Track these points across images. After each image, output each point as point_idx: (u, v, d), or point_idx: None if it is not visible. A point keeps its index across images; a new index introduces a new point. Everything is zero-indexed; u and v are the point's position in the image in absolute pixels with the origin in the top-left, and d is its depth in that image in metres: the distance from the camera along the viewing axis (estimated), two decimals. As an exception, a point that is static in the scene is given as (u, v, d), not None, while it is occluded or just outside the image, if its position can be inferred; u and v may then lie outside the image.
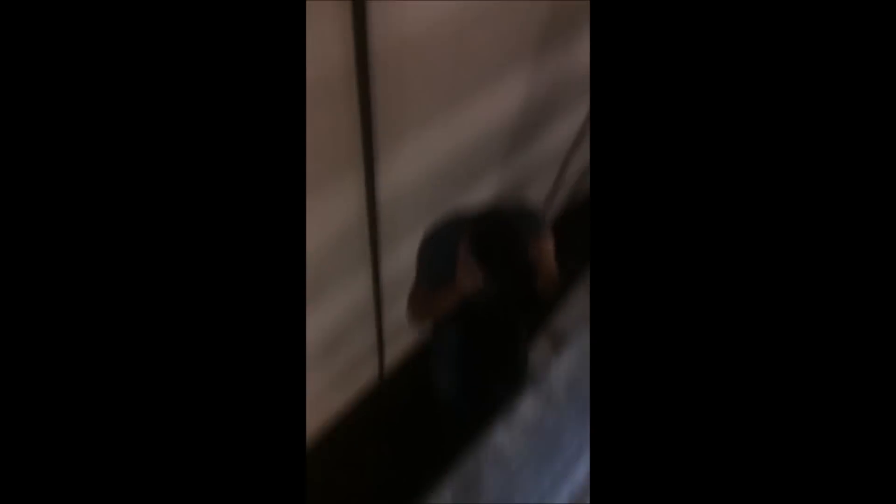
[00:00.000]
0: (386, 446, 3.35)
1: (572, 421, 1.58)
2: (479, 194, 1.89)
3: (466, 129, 1.43)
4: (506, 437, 1.60)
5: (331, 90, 0.88)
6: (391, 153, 1.20)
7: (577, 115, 2.11)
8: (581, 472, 1.36)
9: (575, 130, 2.26)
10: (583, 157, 2.61)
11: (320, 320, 1.61)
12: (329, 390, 2.29)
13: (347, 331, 1.89)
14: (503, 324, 1.45)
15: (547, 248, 1.17)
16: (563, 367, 1.81)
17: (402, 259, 1.74)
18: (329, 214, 1.19)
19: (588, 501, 1.22)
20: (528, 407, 1.68)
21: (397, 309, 2.14)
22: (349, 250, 1.42)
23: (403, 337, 2.68)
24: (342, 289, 1.58)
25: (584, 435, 1.53)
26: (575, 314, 2.78)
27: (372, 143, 1.08)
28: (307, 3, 0.71)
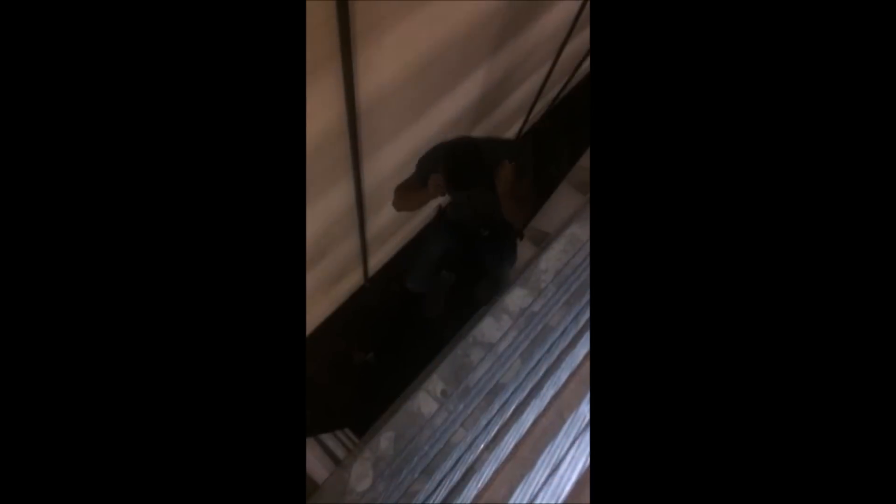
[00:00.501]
0: (376, 343, 3.51)
1: (559, 308, 1.66)
2: (464, 94, 1.79)
3: (451, 19, 1.31)
4: (493, 326, 1.69)
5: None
6: (371, 49, 1.10)
7: (570, 4, 1.95)
8: (567, 353, 1.45)
9: (568, 21, 2.10)
10: (573, 50, 2.46)
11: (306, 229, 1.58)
12: (315, 294, 2.33)
13: (332, 237, 1.87)
14: (474, 236, 1.74)
15: (506, 177, 1.34)
16: (551, 260, 1.86)
17: (384, 164, 1.69)
18: (308, 119, 1.11)
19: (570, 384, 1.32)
20: (516, 297, 1.75)
21: (380, 215, 2.12)
22: (331, 156, 1.36)
23: (388, 242, 2.68)
24: (324, 195, 1.53)
25: (570, 320, 1.62)
26: (558, 215, 2.80)
27: (350, 40, 0.98)
28: None
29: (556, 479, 0.66)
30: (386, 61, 1.20)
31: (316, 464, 2.99)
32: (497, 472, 0.59)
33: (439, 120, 1.80)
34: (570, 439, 0.74)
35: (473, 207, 1.61)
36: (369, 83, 1.19)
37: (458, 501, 0.55)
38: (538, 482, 0.67)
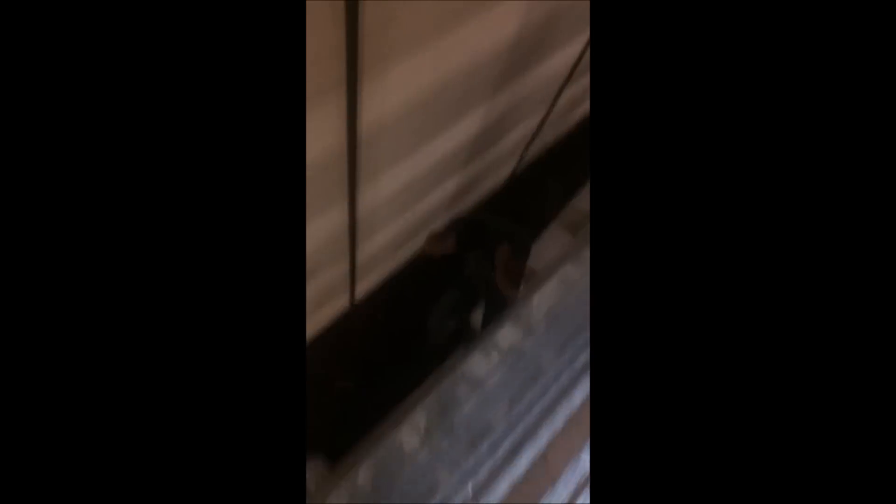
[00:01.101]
0: (358, 370, 3.45)
1: (550, 348, 1.64)
2: (463, 131, 1.83)
3: (455, 57, 1.34)
4: (482, 362, 1.66)
5: (315, 13, 0.80)
6: (376, 81, 1.12)
7: (573, 46, 2.02)
8: (553, 395, 1.43)
9: (569, 64, 2.17)
10: (574, 91, 2.54)
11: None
12: (300, 317, 2.30)
13: (321, 260, 1.87)
14: (475, 290, 2.27)
15: (502, 256, 1.81)
16: (544, 299, 1.86)
17: (379, 192, 1.70)
18: (309, 141, 1.13)
19: (562, 426, 1.29)
20: (506, 334, 1.74)
21: (371, 242, 2.12)
22: (328, 180, 1.37)
23: (376, 269, 2.68)
24: (318, 218, 1.53)
25: (565, 362, 1.60)
26: (547, 253, 2.82)
27: (357, 69, 1.00)
28: None
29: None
30: (390, 93, 1.23)
31: None
32: None
33: (436, 154, 1.83)
34: (571, 490, 0.72)
35: (474, 270, 2.08)
36: (371, 113, 1.22)
37: None
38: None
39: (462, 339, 2.45)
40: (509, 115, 2.11)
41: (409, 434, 1.43)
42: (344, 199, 1.55)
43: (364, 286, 2.78)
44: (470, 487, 0.66)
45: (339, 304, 2.73)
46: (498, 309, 1.96)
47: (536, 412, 0.97)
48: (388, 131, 1.38)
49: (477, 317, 2.18)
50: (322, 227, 1.62)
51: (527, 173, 3.40)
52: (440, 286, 2.27)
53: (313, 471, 3.71)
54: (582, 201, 2.90)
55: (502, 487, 0.58)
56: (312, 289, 2.08)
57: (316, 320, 2.67)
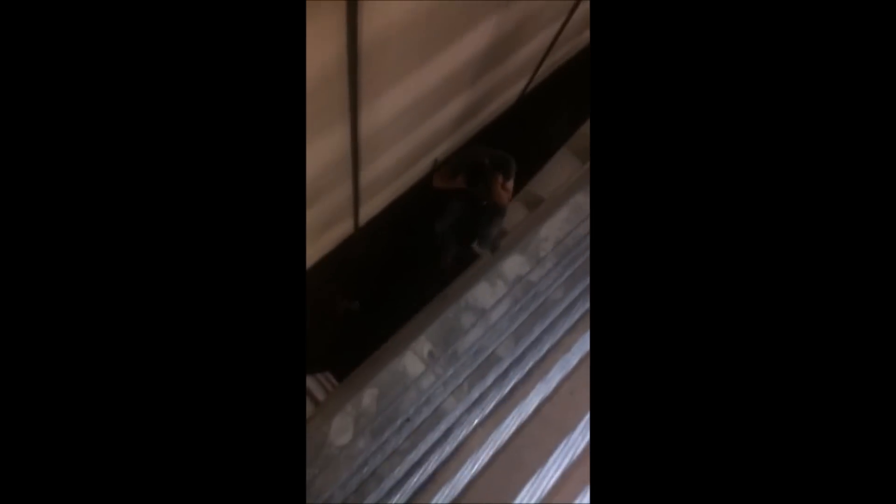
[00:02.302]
0: (362, 293, 3.52)
1: (560, 280, 1.63)
2: (471, 45, 1.72)
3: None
4: (487, 291, 1.67)
5: None
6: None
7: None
8: (564, 327, 1.44)
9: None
10: (584, 12, 2.36)
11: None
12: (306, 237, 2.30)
13: (324, 183, 1.83)
14: (476, 212, 2.49)
15: (496, 182, 2.22)
16: (552, 230, 1.83)
17: (382, 111, 1.63)
18: (308, 55, 1.06)
19: (567, 356, 1.31)
20: (512, 264, 1.73)
21: (375, 164, 2.07)
22: (328, 97, 1.30)
23: (380, 192, 2.64)
24: (319, 138, 1.48)
25: (576, 296, 1.59)
26: (555, 180, 2.76)
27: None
28: None
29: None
30: (392, 2, 1.14)
31: None
32: (496, 456, 0.57)
33: (442, 70, 1.73)
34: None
35: (475, 193, 2.40)
36: (373, 23, 1.13)
37: (453, 478, 0.54)
38: (550, 476, 0.64)
39: (465, 257, 2.77)
40: (520, 29, 1.98)
41: (413, 360, 1.46)
42: (345, 119, 1.49)
43: (368, 210, 2.76)
44: (476, 420, 0.66)
45: (344, 228, 2.73)
46: (499, 214, 2.38)
47: (546, 347, 0.96)
48: (390, 45, 1.29)
49: (482, 231, 2.48)
50: (324, 149, 1.57)
51: (537, 94, 3.25)
52: (443, 209, 2.55)
53: (320, 386, 3.91)
54: (593, 126, 2.80)
55: (511, 424, 0.58)
56: (316, 213, 2.07)
57: (320, 244, 2.67)
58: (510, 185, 2.26)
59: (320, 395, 3.65)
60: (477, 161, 2.28)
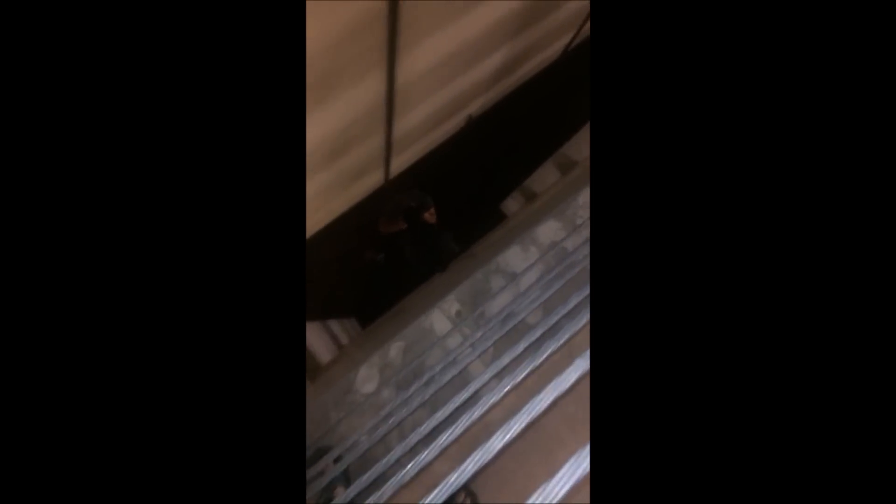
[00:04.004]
0: (388, 245, 3.54)
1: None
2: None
3: None
4: (519, 256, 1.65)
5: None
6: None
7: None
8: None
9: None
10: None
11: (330, 120, 1.53)
12: (333, 188, 2.31)
13: (356, 132, 1.81)
14: (424, 234, 3.19)
15: (424, 214, 2.97)
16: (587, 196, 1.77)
17: (420, 61, 1.58)
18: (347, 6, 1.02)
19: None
20: (546, 230, 1.69)
21: (409, 116, 2.04)
22: (365, 43, 1.27)
23: (413, 145, 2.61)
24: (354, 86, 1.46)
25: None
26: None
27: None
28: None
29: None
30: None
31: (321, 345, 3.24)
32: (530, 428, 0.57)
33: (484, 20, 1.66)
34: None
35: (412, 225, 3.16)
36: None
37: (485, 444, 0.54)
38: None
39: (443, 259, 3.46)
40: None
41: (440, 318, 1.47)
42: (382, 66, 1.46)
43: (399, 162, 2.74)
44: (507, 386, 0.65)
45: (374, 179, 2.72)
46: (442, 231, 3.25)
47: (585, 320, 0.93)
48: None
49: (443, 244, 3.36)
50: (358, 97, 1.54)
51: (580, 53, 3.11)
52: (404, 244, 3.30)
53: (344, 332, 4.03)
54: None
55: (546, 398, 0.55)
56: (347, 161, 2.06)
57: (350, 193, 2.68)
58: (433, 210, 3.15)
59: (344, 340, 3.76)
60: (406, 205, 3.14)
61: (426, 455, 0.62)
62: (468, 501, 1.36)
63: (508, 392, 0.64)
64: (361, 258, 3.60)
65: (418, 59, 1.56)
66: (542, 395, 0.57)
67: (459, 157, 3.63)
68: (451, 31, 1.56)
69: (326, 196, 2.35)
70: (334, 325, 4.42)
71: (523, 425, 0.55)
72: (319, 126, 1.52)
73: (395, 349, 1.43)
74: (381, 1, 1.13)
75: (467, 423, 0.62)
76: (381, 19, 1.20)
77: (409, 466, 0.63)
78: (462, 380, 1.40)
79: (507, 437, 0.55)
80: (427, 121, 2.34)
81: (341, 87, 1.38)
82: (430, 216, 3.08)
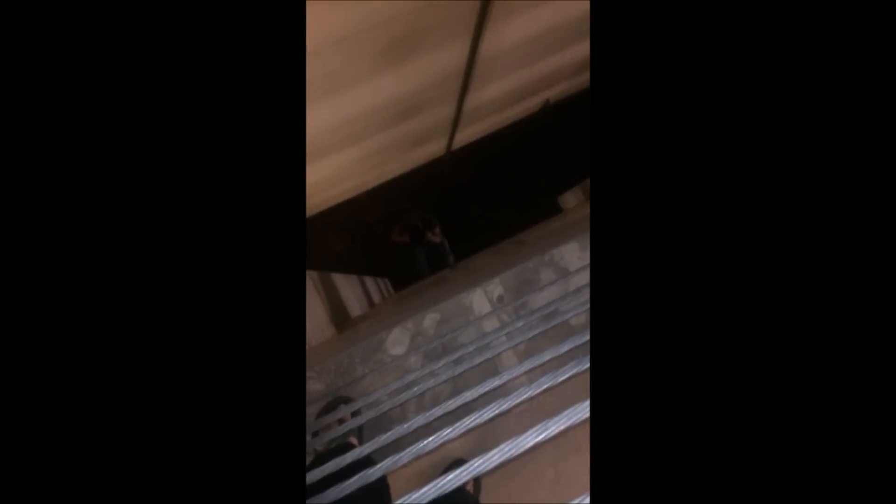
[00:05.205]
0: (437, 215, 3.57)
1: None
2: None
3: None
4: (574, 254, 1.59)
5: None
6: None
7: None
8: None
9: None
10: None
11: (405, 81, 1.51)
12: (392, 150, 2.31)
13: (428, 98, 1.79)
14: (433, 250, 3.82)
15: (428, 233, 3.65)
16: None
17: (507, 36, 1.53)
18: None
19: None
20: None
21: (483, 90, 1.99)
22: (458, 9, 1.23)
23: (480, 121, 2.56)
24: (436, 51, 1.43)
25: None
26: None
27: None
28: None
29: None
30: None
31: (353, 298, 3.36)
32: (568, 432, 0.54)
33: (575, 8, 1.59)
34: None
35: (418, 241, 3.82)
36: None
37: (517, 438, 0.52)
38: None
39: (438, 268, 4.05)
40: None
41: (481, 298, 1.45)
42: (469, 35, 1.42)
43: (464, 136, 2.71)
44: (546, 384, 0.63)
45: (435, 147, 2.70)
46: (442, 247, 3.74)
47: None
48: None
49: (444, 258, 3.78)
50: (438, 62, 1.51)
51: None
52: (415, 255, 3.94)
53: (377, 290, 4.14)
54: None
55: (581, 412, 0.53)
56: (413, 126, 2.05)
57: (409, 158, 2.68)
58: (437, 230, 3.68)
59: (376, 298, 3.82)
60: (413, 223, 3.71)
61: (449, 432, 0.62)
62: (470, 484, 1.37)
63: (545, 391, 0.62)
64: (407, 220, 3.76)
65: (505, 34, 1.51)
66: (585, 404, 0.55)
67: (526, 141, 3.56)
68: (543, 11, 1.49)
69: (385, 156, 2.35)
70: (369, 281, 4.51)
71: (561, 429, 0.54)
72: (393, 86, 1.51)
73: (429, 319, 1.43)
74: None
75: (497, 411, 0.61)
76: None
77: (430, 438, 0.62)
78: (492, 366, 1.39)
79: (542, 436, 0.54)
80: (502, 98, 2.29)
81: (423, 49, 1.35)
82: (433, 235, 3.68)
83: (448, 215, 4.10)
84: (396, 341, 1.41)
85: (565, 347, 0.73)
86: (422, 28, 1.23)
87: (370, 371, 1.36)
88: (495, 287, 1.48)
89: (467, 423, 0.61)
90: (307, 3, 0.89)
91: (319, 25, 0.99)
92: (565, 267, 1.53)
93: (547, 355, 0.73)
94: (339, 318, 2.88)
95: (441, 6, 1.17)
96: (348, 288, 3.66)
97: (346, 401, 1.29)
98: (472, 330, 1.40)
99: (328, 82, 1.26)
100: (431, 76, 1.61)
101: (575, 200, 5.02)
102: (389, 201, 3.72)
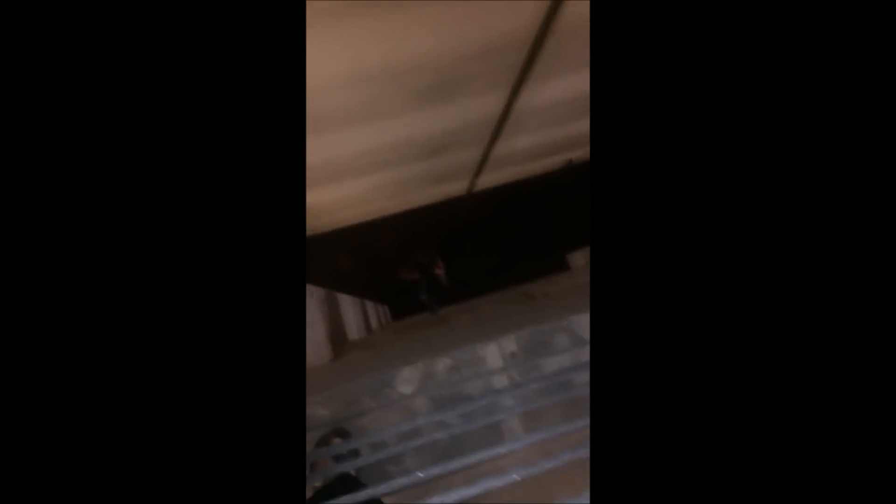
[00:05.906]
0: (448, 254, 3.62)
1: None
2: None
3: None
4: (585, 317, 1.58)
5: None
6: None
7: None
8: None
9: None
10: None
11: (442, 120, 1.56)
12: (412, 184, 2.36)
13: (457, 139, 1.84)
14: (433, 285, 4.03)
15: (439, 267, 4.00)
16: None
17: (546, 93, 1.59)
18: (503, 13, 1.05)
19: None
20: None
21: (513, 140, 2.05)
22: (502, 62, 1.29)
23: (503, 169, 2.62)
24: (474, 98, 1.49)
25: None
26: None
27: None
28: None
29: None
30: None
31: (352, 321, 3.49)
32: None
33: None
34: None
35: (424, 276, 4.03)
36: (577, 7, 1.10)
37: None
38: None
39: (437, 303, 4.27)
40: None
41: (494, 352, 1.42)
42: (507, 89, 1.48)
43: (487, 180, 2.76)
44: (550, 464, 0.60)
45: (457, 187, 2.76)
46: (442, 280, 4.04)
47: None
48: (583, 32, 1.25)
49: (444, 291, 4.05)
50: (474, 109, 1.57)
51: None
52: (419, 288, 4.09)
53: (375, 315, 4.11)
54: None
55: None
56: (440, 163, 2.10)
57: (431, 192, 2.73)
58: (441, 264, 4.02)
59: (374, 324, 3.79)
60: (421, 261, 4.01)
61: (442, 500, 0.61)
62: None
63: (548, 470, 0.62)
64: (414, 256, 3.85)
65: (543, 91, 1.57)
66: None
67: (545, 195, 3.61)
68: (581, 77, 1.56)
69: (407, 187, 2.40)
70: (369, 306, 4.51)
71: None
72: (427, 123, 1.56)
73: (442, 364, 1.41)
74: (532, 27, 1.15)
75: (494, 485, 0.60)
76: (526, 45, 1.22)
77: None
78: (497, 424, 1.34)
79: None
80: (528, 150, 2.35)
81: (462, 94, 1.41)
82: (438, 268, 4.07)
83: (456, 253, 4.20)
84: (406, 380, 1.39)
85: (578, 424, 0.72)
86: (465, 75, 1.29)
87: (377, 406, 1.34)
88: (510, 343, 1.46)
89: (464, 494, 0.61)
90: (367, 32, 0.95)
91: (373, 56, 1.05)
92: (581, 335, 1.51)
93: (555, 429, 0.72)
94: (337, 338, 2.87)
95: (488, 59, 1.23)
96: (349, 309, 3.66)
97: (344, 434, 1.26)
98: (482, 382, 1.38)
99: (368, 110, 1.31)
100: (465, 120, 1.66)
101: (583, 260, 5.03)
102: (403, 231, 3.78)
